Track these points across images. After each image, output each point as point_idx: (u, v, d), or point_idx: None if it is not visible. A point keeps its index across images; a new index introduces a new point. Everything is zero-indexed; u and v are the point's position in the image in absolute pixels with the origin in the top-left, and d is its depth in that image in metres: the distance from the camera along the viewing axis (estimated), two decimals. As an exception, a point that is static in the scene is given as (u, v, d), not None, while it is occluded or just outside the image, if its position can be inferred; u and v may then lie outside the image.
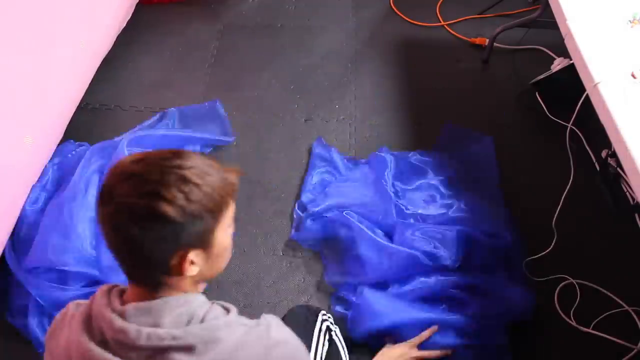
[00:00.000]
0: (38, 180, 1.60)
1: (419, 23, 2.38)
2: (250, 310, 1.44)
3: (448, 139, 1.86)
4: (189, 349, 0.65)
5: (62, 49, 1.65)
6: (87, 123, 1.94)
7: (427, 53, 2.23)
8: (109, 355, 0.66)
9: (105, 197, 0.65)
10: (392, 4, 2.48)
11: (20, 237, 1.52)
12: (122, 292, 0.72)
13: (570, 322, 1.38)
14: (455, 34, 2.31)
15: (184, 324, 0.67)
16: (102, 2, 1.89)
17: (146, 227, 0.63)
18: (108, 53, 1.98)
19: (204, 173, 0.66)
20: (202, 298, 0.73)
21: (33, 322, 1.38)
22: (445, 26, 2.35)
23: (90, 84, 1.85)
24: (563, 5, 1.38)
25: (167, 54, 2.26)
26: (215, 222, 0.69)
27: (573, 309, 1.40)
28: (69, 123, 1.73)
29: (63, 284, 1.42)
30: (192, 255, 0.67)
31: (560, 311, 1.40)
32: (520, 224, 1.58)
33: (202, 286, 0.77)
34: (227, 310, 0.72)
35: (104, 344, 0.67)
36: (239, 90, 2.08)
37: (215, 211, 0.68)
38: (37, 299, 1.38)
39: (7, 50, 1.45)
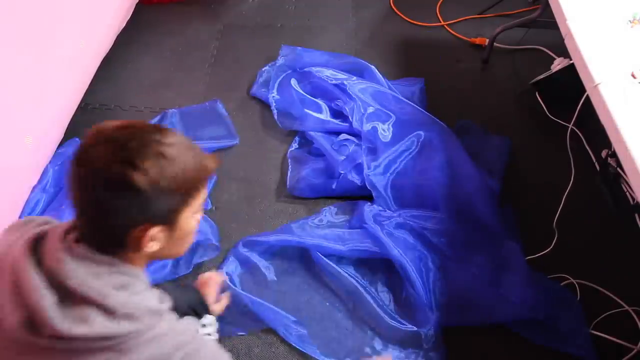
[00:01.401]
0: (38, 182, 1.61)
1: (419, 23, 2.38)
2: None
3: (462, 130, 1.86)
4: (108, 311, 0.64)
5: (62, 49, 1.64)
6: (87, 123, 1.91)
7: (427, 53, 2.23)
8: (33, 274, 0.64)
9: (81, 157, 0.65)
10: (392, 4, 2.48)
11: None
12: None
13: (570, 322, 1.38)
14: (455, 34, 2.31)
15: (116, 288, 0.66)
16: (102, 2, 1.89)
17: (115, 194, 0.63)
18: (108, 53, 1.97)
19: (182, 153, 0.68)
20: (145, 277, 0.73)
21: None
22: (445, 26, 2.35)
23: (90, 84, 1.85)
24: (563, 5, 1.38)
25: (167, 54, 2.26)
26: (184, 204, 0.70)
27: (573, 308, 1.40)
28: (69, 123, 1.74)
29: None
30: (154, 231, 0.68)
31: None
32: (520, 223, 1.58)
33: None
34: (162, 301, 0.72)
35: (39, 265, 0.66)
36: (238, 90, 2.08)
37: (185, 192, 0.69)
38: None
39: (7, 51, 1.45)
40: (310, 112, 1.87)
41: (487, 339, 1.37)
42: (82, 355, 0.64)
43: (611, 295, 1.41)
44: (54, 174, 1.66)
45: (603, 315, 1.37)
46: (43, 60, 1.57)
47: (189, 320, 0.75)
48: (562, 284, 1.44)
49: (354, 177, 1.67)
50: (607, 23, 1.32)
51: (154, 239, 0.69)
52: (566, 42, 1.34)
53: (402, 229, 1.54)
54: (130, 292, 0.67)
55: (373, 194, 1.63)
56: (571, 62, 1.52)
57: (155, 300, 0.70)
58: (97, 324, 0.63)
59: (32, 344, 0.63)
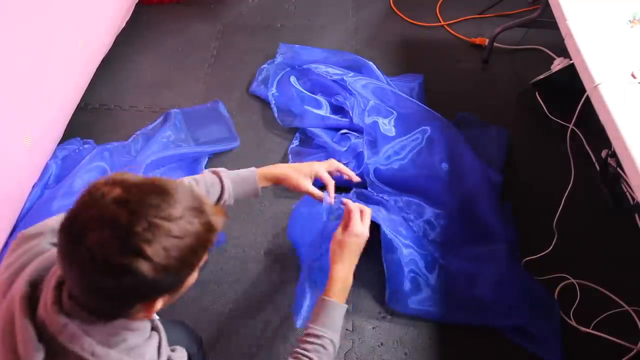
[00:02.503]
0: (39, 179, 1.61)
1: (419, 23, 2.38)
2: (249, 304, 1.45)
3: (461, 123, 1.87)
4: None
5: (61, 49, 1.64)
6: (86, 123, 1.94)
7: (427, 53, 2.23)
8: (27, 325, 0.63)
9: (78, 235, 0.58)
10: (392, 4, 2.48)
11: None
12: None
13: (570, 322, 1.38)
14: (455, 34, 2.31)
15: (112, 345, 0.65)
16: (101, 2, 1.89)
17: (119, 281, 0.59)
18: (108, 53, 1.98)
19: (189, 223, 0.62)
20: (145, 325, 0.71)
21: None
22: (445, 26, 2.35)
23: (90, 84, 1.86)
24: (563, 5, 1.38)
25: (167, 54, 2.26)
26: (190, 272, 0.67)
27: (573, 309, 1.40)
28: (69, 123, 1.74)
29: None
30: (159, 302, 0.66)
31: (560, 311, 1.40)
32: (520, 223, 1.58)
33: None
34: (160, 353, 0.71)
35: (34, 313, 0.66)
36: (239, 90, 2.08)
37: (193, 263, 0.66)
38: None
39: (6, 51, 1.45)
40: (310, 108, 1.87)
41: (471, 335, 1.37)
42: None
43: (611, 295, 1.41)
44: (56, 170, 1.67)
45: (603, 315, 1.37)
46: (42, 60, 1.57)
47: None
48: (562, 284, 1.45)
49: (355, 168, 1.67)
50: (607, 23, 1.32)
51: (159, 305, 0.67)
52: (566, 42, 1.34)
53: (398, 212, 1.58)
54: (122, 347, 0.66)
55: (372, 184, 1.64)
56: (571, 62, 1.52)
57: (152, 351, 0.69)
58: None
59: None
